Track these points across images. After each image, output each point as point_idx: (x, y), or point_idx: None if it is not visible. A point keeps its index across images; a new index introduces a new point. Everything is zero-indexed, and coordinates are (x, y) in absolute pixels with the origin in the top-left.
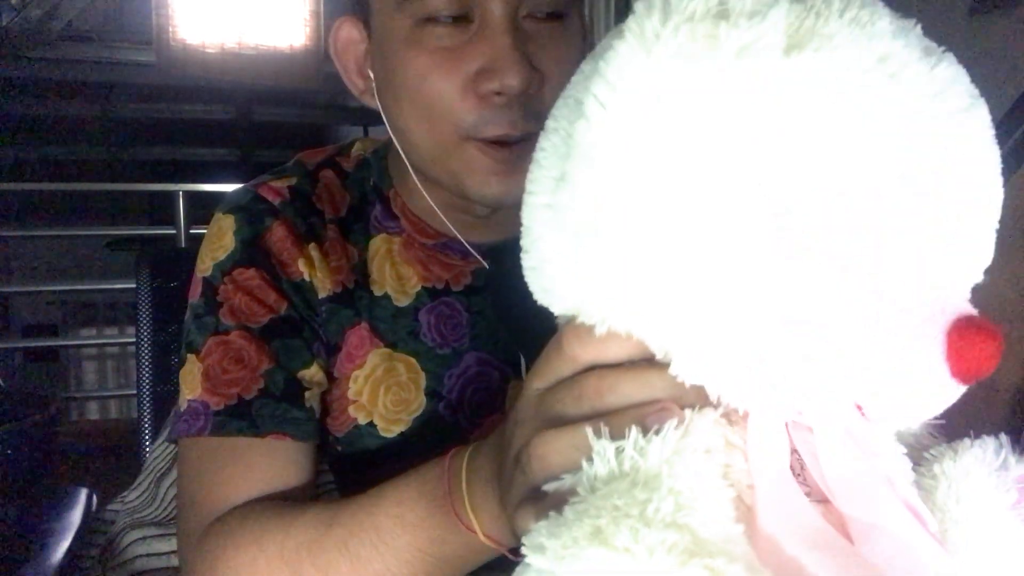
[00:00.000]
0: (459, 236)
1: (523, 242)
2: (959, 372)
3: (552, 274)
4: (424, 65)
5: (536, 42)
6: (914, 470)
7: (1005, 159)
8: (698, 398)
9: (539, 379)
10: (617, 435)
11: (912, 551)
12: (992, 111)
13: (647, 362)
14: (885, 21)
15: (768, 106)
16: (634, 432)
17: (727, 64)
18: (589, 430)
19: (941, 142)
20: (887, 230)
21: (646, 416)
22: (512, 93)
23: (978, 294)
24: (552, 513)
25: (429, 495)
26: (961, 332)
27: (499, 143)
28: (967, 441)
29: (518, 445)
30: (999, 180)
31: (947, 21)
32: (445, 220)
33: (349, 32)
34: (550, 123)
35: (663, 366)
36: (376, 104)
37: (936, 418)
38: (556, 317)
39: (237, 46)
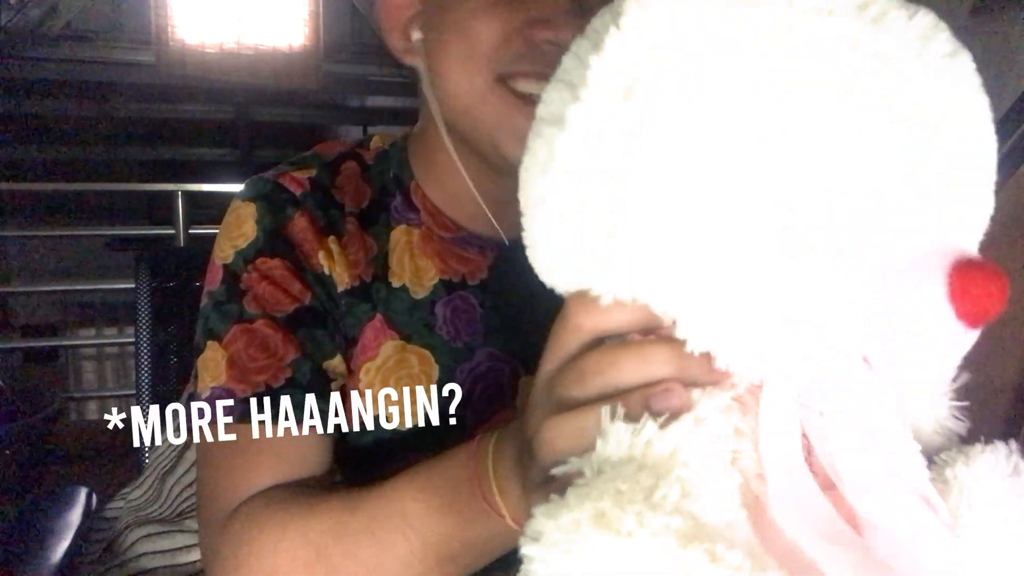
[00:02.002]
0: (493, 219)
1: (524, 220)
2: (965, 313)
3: (556, 250)
4: (482, 4)
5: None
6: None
7: (1005, 159)
8: (702, 374)
9: (549, 360)
10: (627, 418)
11: (920, 538)
12: (992, 111)
13: (651, 337)
14: None
15: (768, 77)
16: (645, 417)
17: (745, 50)
18: (604, 411)
19: (928, 90)
20: (876, 178)
21: (650, 397)
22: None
23: None
24: (554, 496)
25: (456, 479)
26: (963, 272)
27: (532, 100)
28: (978, 446)
29: (531, 431)
30: (991, 127)
31: (948, 21)
32: (482, 200)
33: None
34: (541, 108)
35: (663, 339)
36: (417, 61)
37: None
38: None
39: (236, 46)
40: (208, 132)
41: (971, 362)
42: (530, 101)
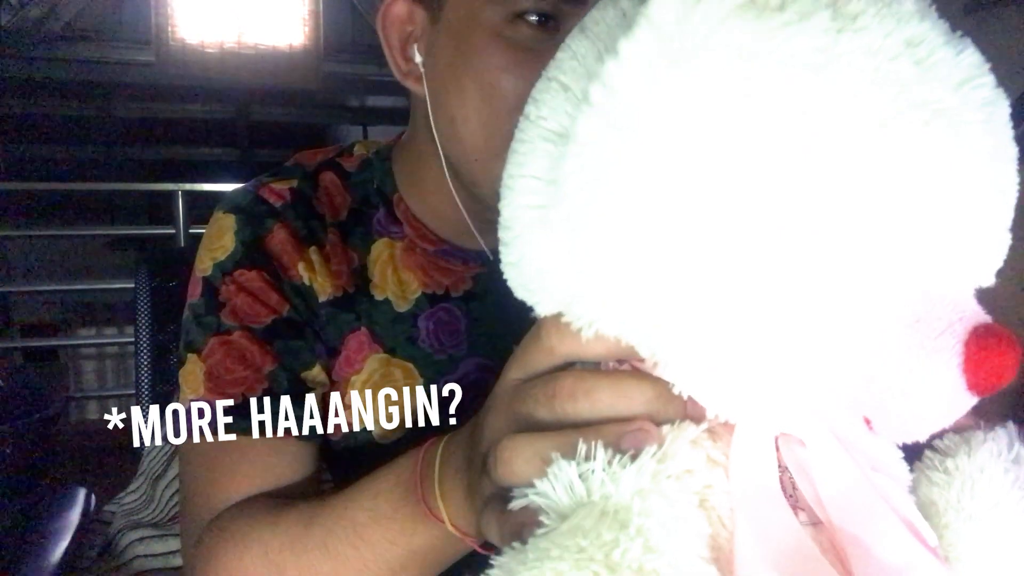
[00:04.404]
0: (480, 238)
1: (502, 235)
2: (976, 384)
3: (536, 272)
4: (508, 59)
5: None
6: (924, 461)
7: None
8: (677, 414)
9: (516, 369)
10: (591, 456)
11: (910, 571)
12: None
13: (628, 370)
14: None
15: (774, 97)
16: (603, 457)
17: (745, 58)
18: (560, 454)
19: (961, 136)
20: (893, 227)
21: (622, 436)
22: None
23: (977, 292)
24: (516, 545)
25: (403, 485)
26: (980, 343)
27: None
28: (980, 434)
29: (488, 441)
30: (1015, 177)
31: (942, 19)
32: (469, 222)
33: (400, 10)
34: (531, 109)
35: (643, 376)
36: (416, 87)
37: None
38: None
39: (236, 45)
40: (208, 132)
41: None
42: None
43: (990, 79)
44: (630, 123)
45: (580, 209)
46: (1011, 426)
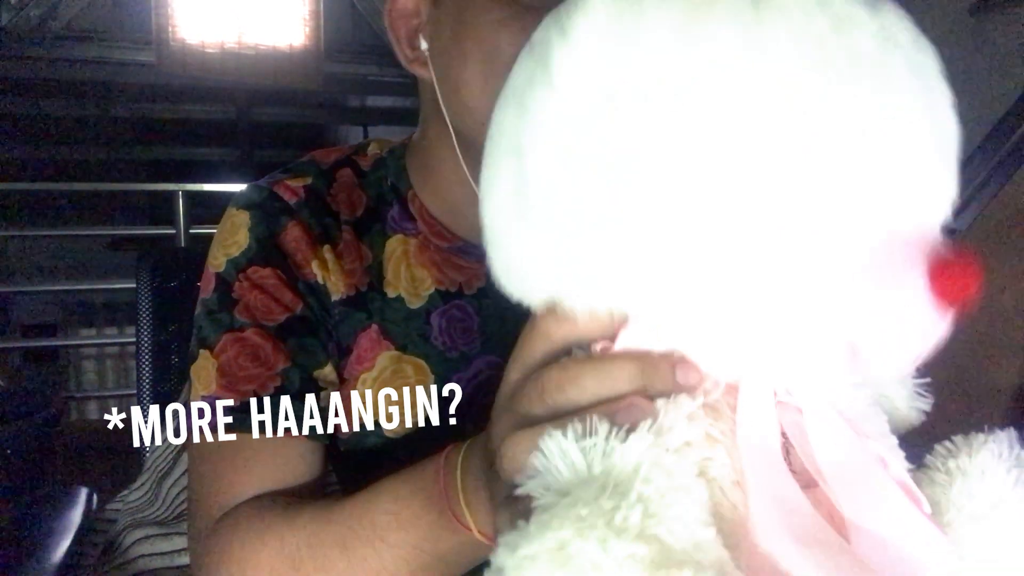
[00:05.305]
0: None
1: (487, 237)
2: (943, 293)
3: (521, 273)
4: (505, 14)
5: None
6: (926, 461)
7: (1005, 159)
8: (667, 385)
9: (515, 369)
10: (586, 432)
11: (906, 535)
12: (992, 111)
13: (610, 352)
14: None
15: (709, 77)
16: (602, 431)
17: (682, 41)
18: (556, 431)
19: (885, 81)
20: (838, 174)
21: (614, 413)
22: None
23: (983, 305)
24: (520, 523)
25: (425, 491)
26: (939, 258)
27: None
28: (981, 436)
29: (494, 444)
30: (952, 113)
31: (948, 21)
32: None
33: (406, 4)
34: (494, 123)
35: (625, 354)
36: (424, 72)
37: (932, 418)
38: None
39: (237, 46)
40: (209, 132)
41: (971, 362)
42: None
43: (911, 30)
44: (577, 131)
45: (549, 218)
46: (1011, 430)
